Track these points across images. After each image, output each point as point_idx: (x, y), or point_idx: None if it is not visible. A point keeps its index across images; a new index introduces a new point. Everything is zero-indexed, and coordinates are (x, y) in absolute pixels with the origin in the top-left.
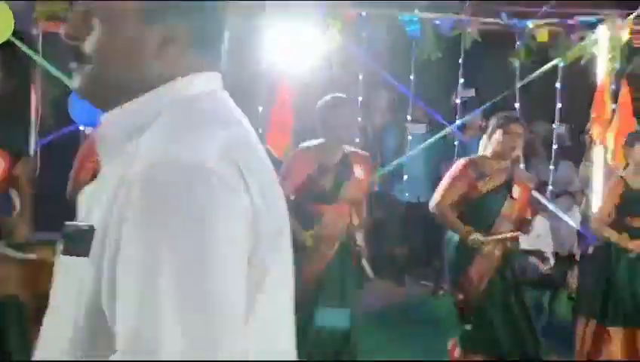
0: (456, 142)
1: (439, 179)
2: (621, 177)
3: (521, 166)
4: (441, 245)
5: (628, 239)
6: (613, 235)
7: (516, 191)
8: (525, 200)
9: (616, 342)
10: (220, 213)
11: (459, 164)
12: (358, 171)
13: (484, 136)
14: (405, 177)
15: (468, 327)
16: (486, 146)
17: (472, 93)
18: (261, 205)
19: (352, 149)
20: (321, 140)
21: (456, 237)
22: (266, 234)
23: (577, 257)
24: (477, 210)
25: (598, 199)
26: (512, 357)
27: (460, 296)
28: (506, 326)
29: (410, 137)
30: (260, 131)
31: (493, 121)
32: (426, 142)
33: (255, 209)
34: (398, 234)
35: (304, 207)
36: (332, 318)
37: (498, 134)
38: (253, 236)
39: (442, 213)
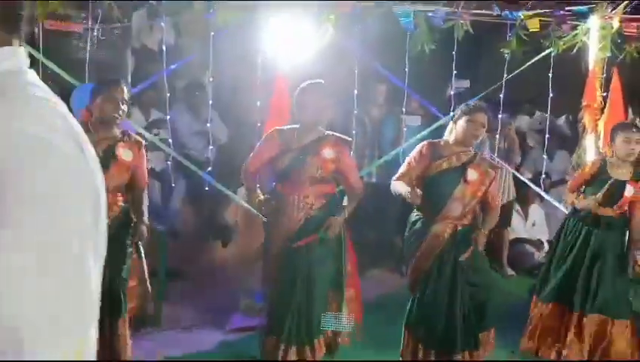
0: None
1: None
2: (604, 160)
3: (488, 154)
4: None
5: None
6: (581, 202)
7: (472, 174)
8: (479, 184)
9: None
10: (70, 187)
11: (420, 145)
12: (327, 151)
13: (451, 122)
14: None
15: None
16: (451, 131)
17: (466, 84)
18: (97, 176)
19: (332, 133)
20: (296, 125)
21: (413, 217)
22: (102, 202)
23: None
24: (430, 189)
25: None
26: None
27: (409, 274)
28: (444, 307)
29: (405, 129)
30: (259, 125)
31: (460, 109)
32: (421, 134)
33: (94, 179)
34: (397, 223)
35: (267, 185)
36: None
37: (462, 121)
38: (98, 206)
39: (394, 186)
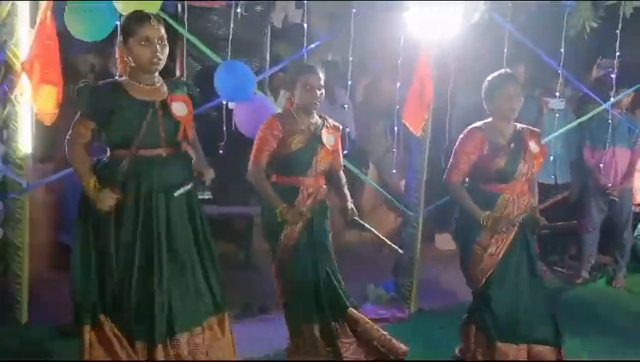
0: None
1: (581, 159)
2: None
3: None
4: (575, 230)
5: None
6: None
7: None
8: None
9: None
10: None
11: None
12: (533, 146)
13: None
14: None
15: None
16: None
17: (610, 65)
18: None
19: (524, 126)
20: (489, 119)
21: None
22: None
23: None
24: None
25: None
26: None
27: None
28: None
29: (546, 113)
30: (398, 108)
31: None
32: (576, 122)
33: None
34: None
35: (481, 188)
36: None
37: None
38: None
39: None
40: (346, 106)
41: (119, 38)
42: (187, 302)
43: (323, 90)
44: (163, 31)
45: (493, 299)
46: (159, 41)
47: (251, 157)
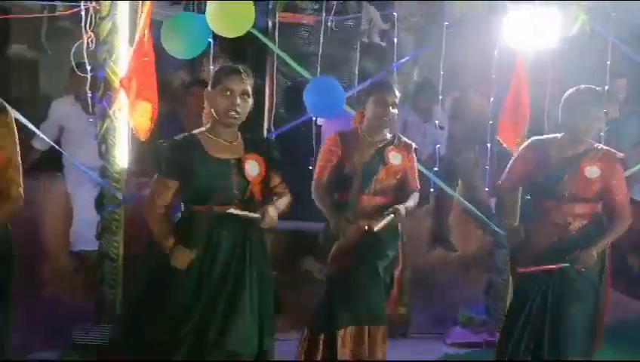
0: None
1: None
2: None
3: None
4: None
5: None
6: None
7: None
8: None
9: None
10: None
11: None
12: (592, 170)
13: None
14: None
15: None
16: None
17: None
18: None
19: (604, 147)
20: (557, 134)
21: None
22: None
23: None
24: None
25: None
26: None
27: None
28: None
29: None
30: (491, 122)
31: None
32: None
33: None
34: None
35: (535, 202)
36: None
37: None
38: None
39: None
40: (443, 126)
41: (209, 87)
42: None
43: (397, 109)
44: (249, 86)
45: None
46: (241, 95)
47: (314, 173)
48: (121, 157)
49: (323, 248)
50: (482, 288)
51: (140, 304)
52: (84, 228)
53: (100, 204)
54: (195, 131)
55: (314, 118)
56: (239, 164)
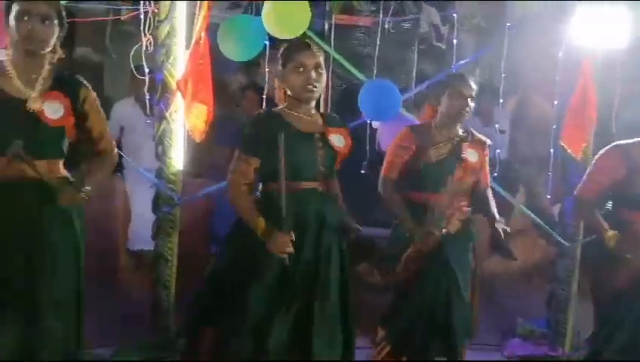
0: None
1: None
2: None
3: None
4: None
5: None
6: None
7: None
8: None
9: None
10: None
11: None
12: None
13: None
14: None
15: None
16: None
17: None
18: None
19: None
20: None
21: None
22: None
23: None
24: None
25: None
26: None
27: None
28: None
29: None
30: (555, 127)
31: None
32: None
33: None
34: None
35: (618, 213)
36: None
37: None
38: None
39: None
40: (504, 130)
41: (279, 66)
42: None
43: (473, 103)
44: (321, 59)
45: None
46: (315, 69)
47: (382, 170)
48: (177, 158)
49: (390, 252)
50: (544, 299)
51: (219, 293)
52: (141, 228)
53: (155, 204)
54: (276, 108)
55: (369, 122)
56: (323, 137)
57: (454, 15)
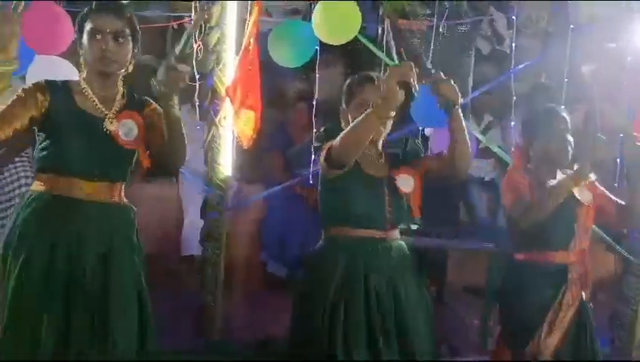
0: None
1: None
2: None
3: None
4: None
5: None
6: None
7: None
8: None
9: None
10: None
11: None
12: None
13: None
14: None
15: None
16: None
17: None
18: None
19: None
20: None
21: None
22: None
23: None
24: None
25: None
26: None
27: None
28: None
29: None
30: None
31: None
32: None
33: None
34: None
35: None
36: None
37: None
38: None
39: None
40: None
41: (343, 103)
42: None
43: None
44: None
45: None
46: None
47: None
48: (226, 164)
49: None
50: (607, 317)
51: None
52: (192, 234)
53: (204, 210)
54: None
55: (421, 128)
56: (391, 181)
57: (513, 18)
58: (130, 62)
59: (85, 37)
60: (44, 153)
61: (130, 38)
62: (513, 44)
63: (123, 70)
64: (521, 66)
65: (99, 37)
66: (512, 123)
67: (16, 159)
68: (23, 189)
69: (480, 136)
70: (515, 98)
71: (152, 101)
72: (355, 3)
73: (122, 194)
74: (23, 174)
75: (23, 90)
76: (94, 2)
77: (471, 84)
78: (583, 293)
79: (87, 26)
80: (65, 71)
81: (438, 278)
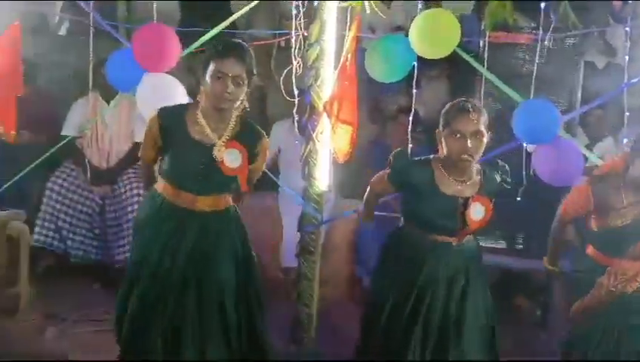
0: None
1: None
2: None
3: None
4: None
5: None
6: None
7: None
8: None
9: None
10: None
11: None
12: None
13: None
14: None
15: None
16: None
17: None
18: None
19: None
20: None
21: None
22: None
23: None
24: None
25: None
26: None
27: None
28: None
29: None
30: None
31: None
32: None
33: None
34: None
35: None
36: None
37: None
38: None
39: None
40: None
41: (440, 126)
42: None
43: None
44: (482, 126)
45: None
46: (473, 136)
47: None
48: (322, 179)
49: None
50: None
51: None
52: (291, 246)
53: (300, 224)
54: (434, 156)
55: (524, 145)
56: (467, 204)
57: (627, 29)
58: (244, 99)
59: (208, 76)
60: (165, 168)
61: (247, 81)
62: (626, 57)
63: (236, 105)
64: (634, 80)
65: (221, 78)
66: (625, 140)
67: (130, 170)
68: (135, 199)
69: (588, 153)
70: (627, 113)
71: (266, 137)
72: (453, 16)
73: (228, 200)
74: (135, 184)
75: (148, 121)
76: (221, 44)
77: (579, 98)
78: None
79: (211, 66)
80: (172, 88)
81: (543, 301)
